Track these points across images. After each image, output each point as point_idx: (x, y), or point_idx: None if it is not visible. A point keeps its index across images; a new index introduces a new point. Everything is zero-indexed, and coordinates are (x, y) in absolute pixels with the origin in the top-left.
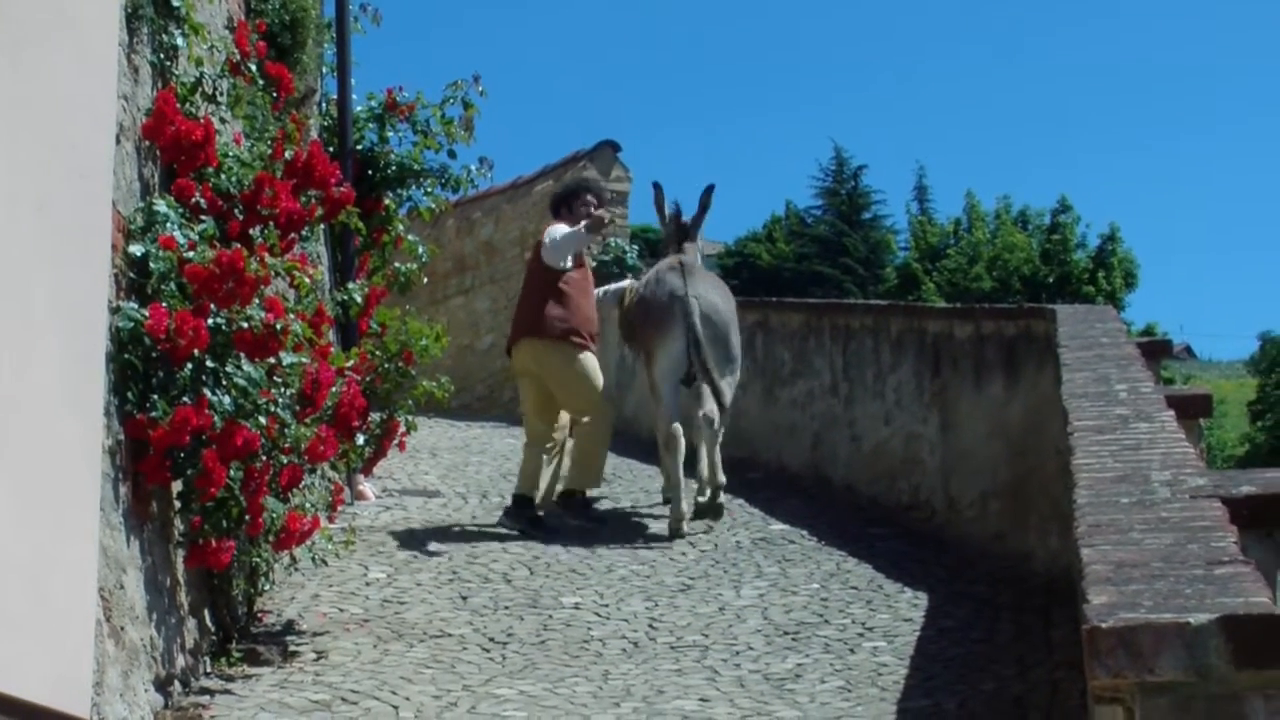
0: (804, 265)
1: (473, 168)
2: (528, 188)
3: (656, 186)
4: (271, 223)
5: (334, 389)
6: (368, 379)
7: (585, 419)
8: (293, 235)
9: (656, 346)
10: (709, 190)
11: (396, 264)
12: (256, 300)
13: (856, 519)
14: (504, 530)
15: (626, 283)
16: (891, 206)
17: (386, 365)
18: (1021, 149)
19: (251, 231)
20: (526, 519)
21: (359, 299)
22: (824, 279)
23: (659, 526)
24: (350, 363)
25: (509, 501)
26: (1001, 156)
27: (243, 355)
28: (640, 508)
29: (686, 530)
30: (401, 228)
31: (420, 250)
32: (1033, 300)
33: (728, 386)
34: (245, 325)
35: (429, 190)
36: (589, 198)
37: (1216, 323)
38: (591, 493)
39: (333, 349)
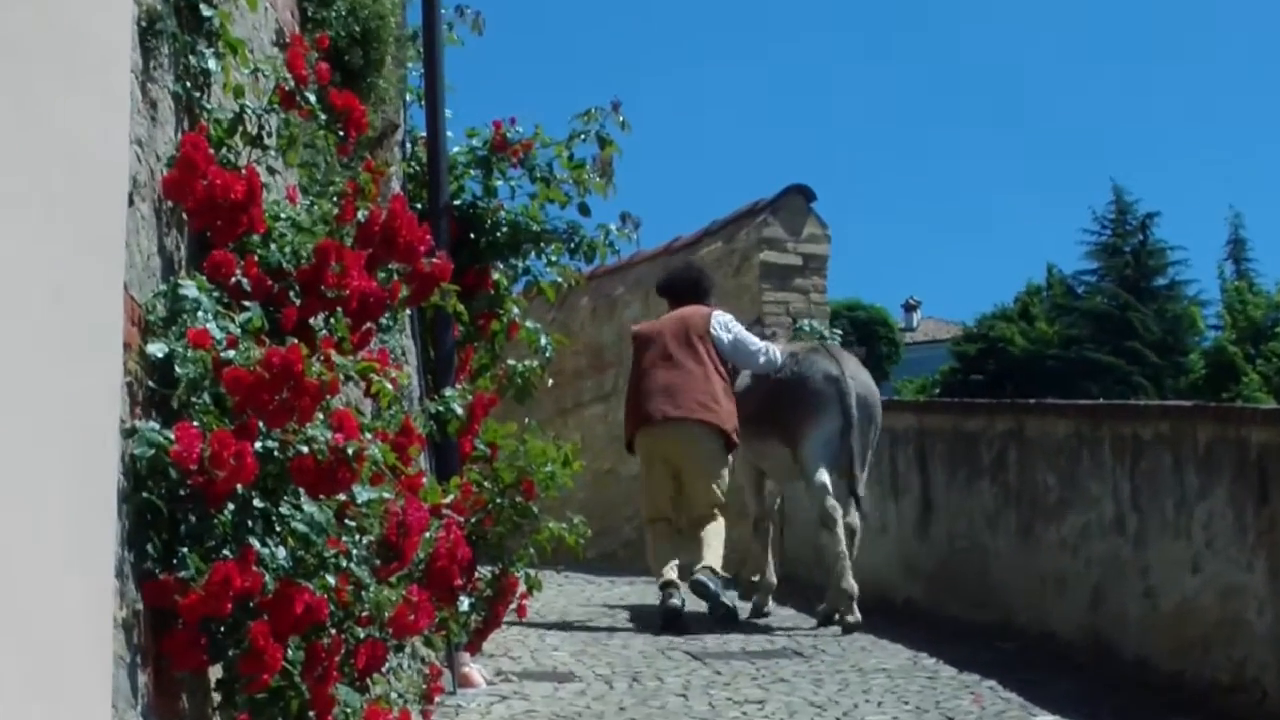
0: (1073, 352)
1: (613, 227)
2: (687, 253)
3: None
4: (339, 309)
5: (427, 535)
6: (474, 520)
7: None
8: (368, 325)
9: (809, 429)
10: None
11: (510, 361)
12: (320, 416)
13: (1154, 706)
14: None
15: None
16: (1197, 269)
17: (499, 501)
18: None
19: (312, 321)
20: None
21: (460, 410)
22: (1101, 370)
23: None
24: (450, 498)
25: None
26: None
27: (302, 491)
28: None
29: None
30: (517, 311)
31: (543, 342)
32: None
33: (863, 488)
34: (305, 450)
35: (553, 259)
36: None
37: None
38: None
39: (425, 480)
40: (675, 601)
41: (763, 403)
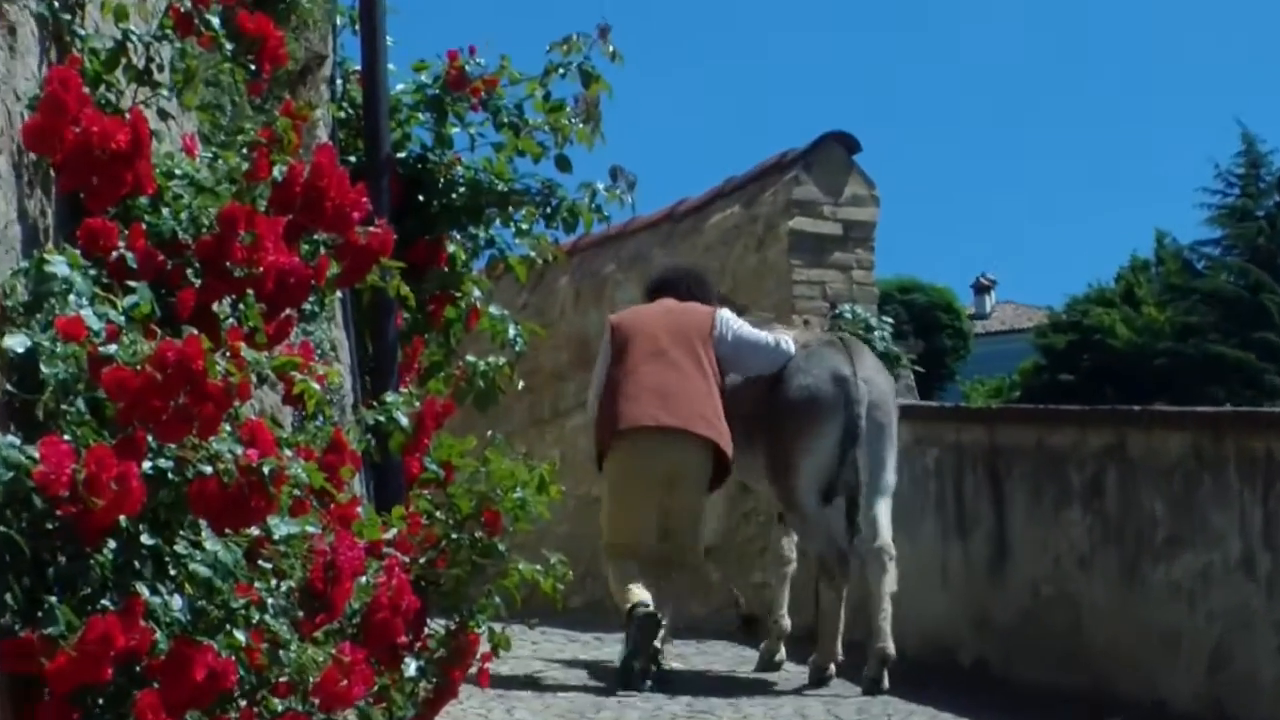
0: (1191, 345)
1: (600, 187)
2: (696, 220)
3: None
4: (251, 291)
5: (364, 579)
6: (424, 561)
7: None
8: (288, 312)
9: (802, 446)
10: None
11: (470, 358)
12: (227, 428)
13: None
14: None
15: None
16: None
17: (455, 537)
18: None
19: (216, 307)
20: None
21: (405, 421)
22: (1227, 368)
23: None
24: (392, 533)
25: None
26: None
27: (204, 524)
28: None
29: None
30: (478, 294)
31: (512, 333)
32: None
33: (885, 511)
34: (208, 471)
35: (524, 228)
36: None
37: None
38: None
39: (361, 509)
40: (646, 612)
41: (755, 404)
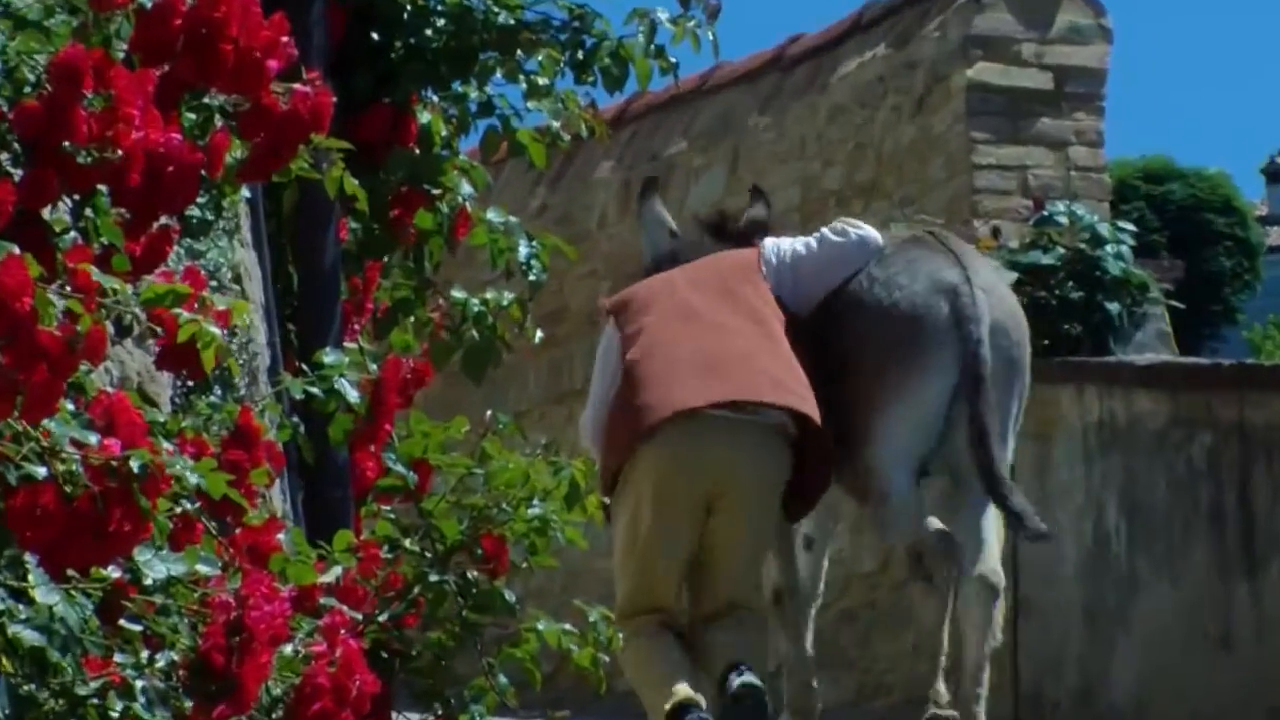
0: None
1: (664, 18)
2: (818, 68)
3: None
4: (104, 187)
5: (289, 649)
6: (385, 618)
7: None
8: (164, 221)
9: (892, 392)
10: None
11: (458, 294)
12: (69, 405)
13: None
14: None
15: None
16: None
17: (436, 580)
18: None
19: (49, 212)
20: None
21: (353, 394)
22: None
23: None
24: (335, 573)
25: None
26: None
27: (32, 560)
28: None
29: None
30: (469, 190)
31: (523, 252)
32: None
33: (990, 515)
34: (40, 473)
35: (541, 83)
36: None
37: None
38: None
39: (285, 534)
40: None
41: (807, 346)
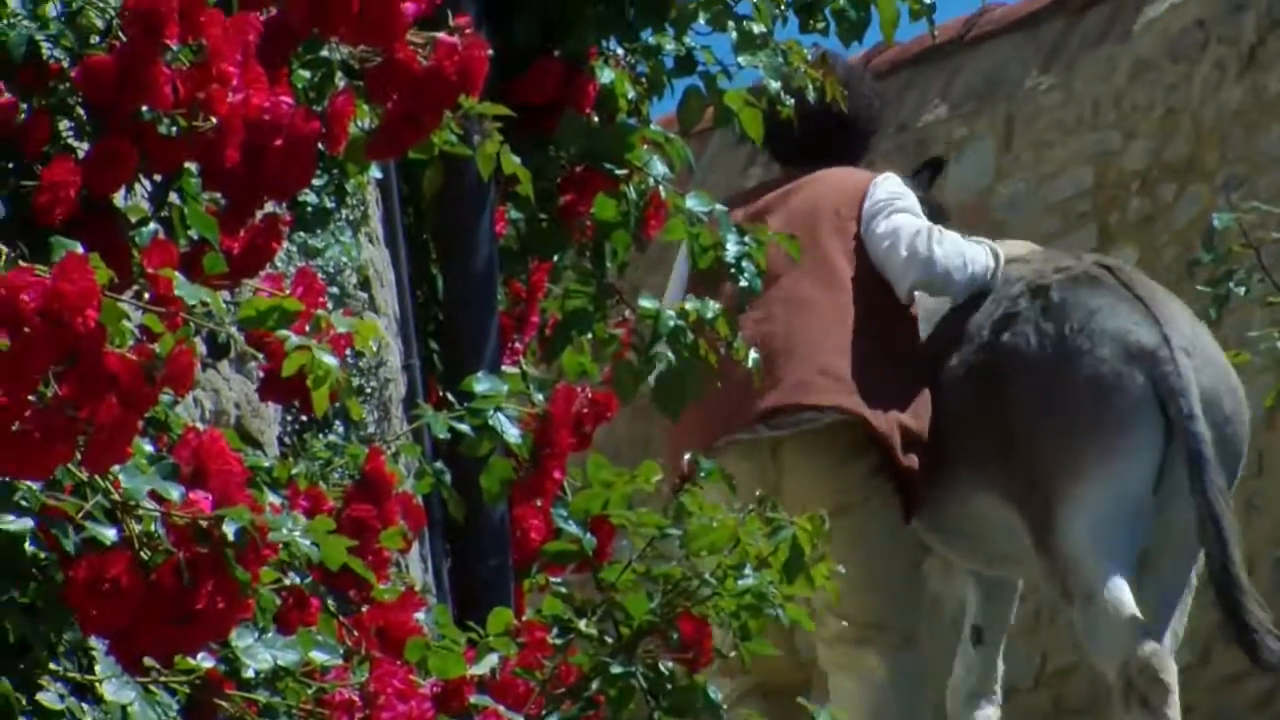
0: None
1: None
2: (1115, 15)
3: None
4: (193, 165)
5: None
6: None
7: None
8: (271, 209)
9: (1086, 469)
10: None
11: (646, 302)
12: (148, 445)
13: None
14: None
15: None
16: None
17: (621, 671)
18: None
19: (121, 198)
20: None
21: (513, 433)
22: None
23: None
24: (490, 663)
25: None
26: None
27: (101, 644)
28: None
29: None
30: (662, 170)
31: (733, 250)
32: None
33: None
34: (110, 537)
35: (755, 32)
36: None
37: None
38: None
39: (425, 613)
40: None
41: (956, 394)
